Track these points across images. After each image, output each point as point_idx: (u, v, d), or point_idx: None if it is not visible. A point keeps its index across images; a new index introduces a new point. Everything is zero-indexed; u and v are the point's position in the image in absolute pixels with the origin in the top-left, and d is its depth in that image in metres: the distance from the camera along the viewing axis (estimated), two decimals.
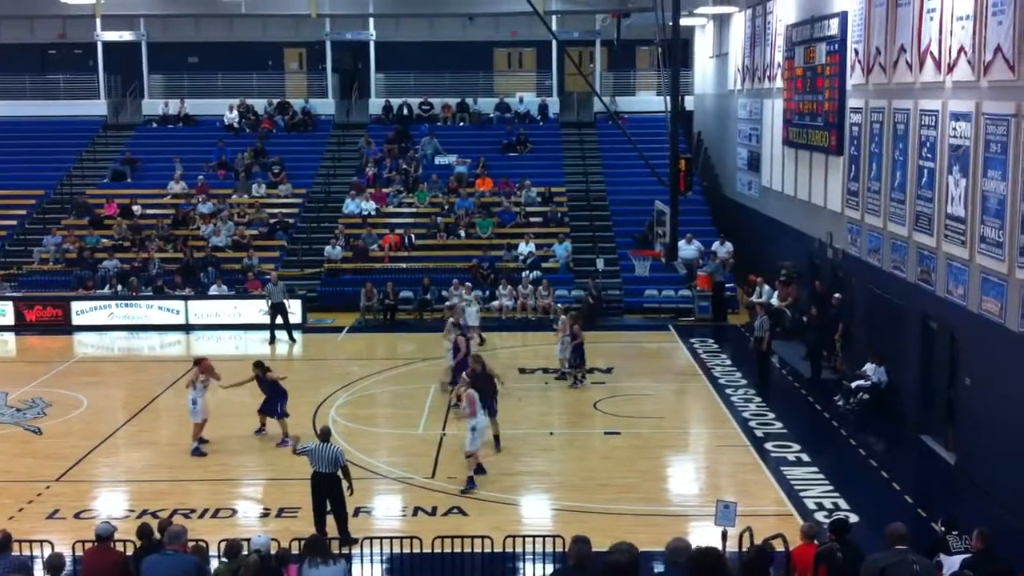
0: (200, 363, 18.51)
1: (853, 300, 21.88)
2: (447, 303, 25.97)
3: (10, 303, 27.99)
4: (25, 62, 39.95)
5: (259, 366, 18.74)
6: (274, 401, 18.48)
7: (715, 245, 29.73)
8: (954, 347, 17.22)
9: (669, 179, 24.10)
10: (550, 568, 11.69)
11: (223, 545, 10.95)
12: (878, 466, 17.16)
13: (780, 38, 26.59)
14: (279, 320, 26.37)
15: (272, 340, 26.23)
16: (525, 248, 30.46)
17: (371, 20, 38.64)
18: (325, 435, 14.36)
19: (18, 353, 26.64)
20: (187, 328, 27.56)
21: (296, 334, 26.59)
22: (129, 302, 27.98)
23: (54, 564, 10.34)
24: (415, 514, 15.20)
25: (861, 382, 19.98)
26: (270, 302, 26.38)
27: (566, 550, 9.97)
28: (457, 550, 12.45)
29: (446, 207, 32.78)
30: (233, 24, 39.90)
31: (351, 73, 41.08)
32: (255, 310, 27.45)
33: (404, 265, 30.39)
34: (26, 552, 11.79)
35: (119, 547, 11.25)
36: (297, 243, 31.80)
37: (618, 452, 17.92)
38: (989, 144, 15.57)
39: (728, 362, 23.87)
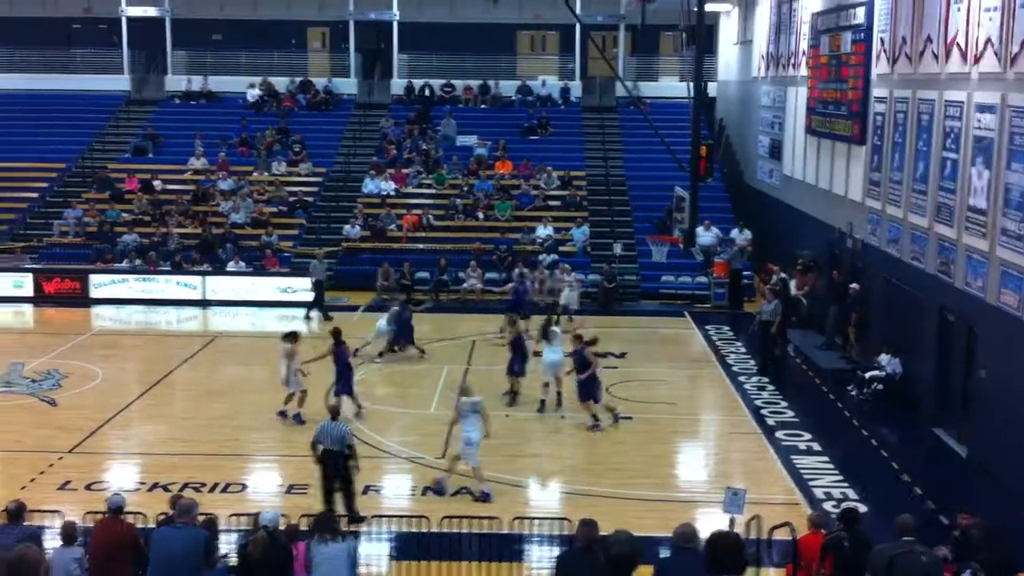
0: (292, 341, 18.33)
1: (871, 290, 21.75)
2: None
3: (29, 275, 28.14)
4: (50, 36, 40.05)
5: (336, 336, 18.63)
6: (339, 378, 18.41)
7: (733, 232, 29.61)
8: (971, 340, 17.10)
9: (690, 165, 24.08)
10: (557, 551, 11.68)
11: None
12: (889, 457, 17.08)
13: (805, 26, 26.39)
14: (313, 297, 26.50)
15: (308, 317, 26.25)
16: (543, 231, 30.39)
17: (394, 0, 38.58)
18: (335, 413, 14.41)
19: (36, 325, 26.81)
20: (204, 303, 27.67)
21: (312, 311, 26.65)
22: (147, 276, 28.10)
23: (68, 533, 10.44)
24: (424, 494, 15.23)
25: (875, 372, 19.88)
26: (313, 279, 26.50)
27: (574, 533, 9.96)
28: (465, 531, 12.46)
29: (465, 189, 32.74)
30: (257, 2, 39.96)
31: (374, 53, 41.03)
32: (272, 287, 27.60)
33: (421, 246, 30.38)
34: (37, 522, 11.84)
35: (130, 519, 11.31)
36: (316, 222, 31.83)
37: (629, 437, 17.89)
38: (1014, 136, 15.42)
39: (742, 350, 23.77)
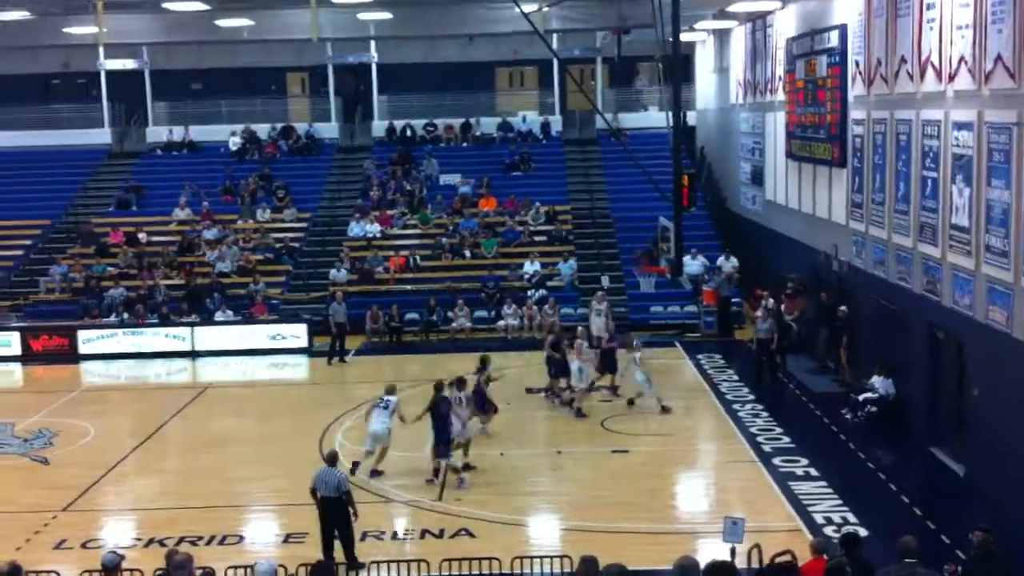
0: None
1: (859, 312, 21.80)
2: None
3: (16, 333, 27.99)
4: (29, 92, 40.10)
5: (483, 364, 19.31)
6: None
7: (720, 260, 29.68)
8: (961, 357, 17.14)
9: (672, 195, 24.11)
10: None
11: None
12: (887, 479, 17.05)
13: (781, 51, 26.61)
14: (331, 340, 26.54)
15: (331, 360, 26.25)
16: (530, 267, 30.44)
17: (372, 43, 38.76)
18: (331, 459, 14.33)
19: (25, 383, 26.64)
20: (193, 355, 27.56)
21: (302, 357, 26.49)
22: (135, 330, 27.99)
23: None
24: (423, 537, 15.13)
25: (869, 394, 19.89)
26: (334, 320, 26.41)
27: (574, 570, 9.89)
28: (465, 572, 12.38)
29: (450, 228, 32.79)
30: (236, 50, 39.99)
31: (354, 96, 41.20)
32: (261, 335, 27.53)
33: (410, 287, 30.39)
34: None
35: None
36: (302, 267, 31.81)
37: (626, 470, 17.84)
38: (992, 153, 15.53)
39: (735, 377, 23.78)
